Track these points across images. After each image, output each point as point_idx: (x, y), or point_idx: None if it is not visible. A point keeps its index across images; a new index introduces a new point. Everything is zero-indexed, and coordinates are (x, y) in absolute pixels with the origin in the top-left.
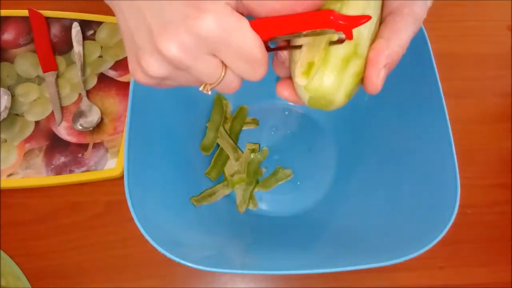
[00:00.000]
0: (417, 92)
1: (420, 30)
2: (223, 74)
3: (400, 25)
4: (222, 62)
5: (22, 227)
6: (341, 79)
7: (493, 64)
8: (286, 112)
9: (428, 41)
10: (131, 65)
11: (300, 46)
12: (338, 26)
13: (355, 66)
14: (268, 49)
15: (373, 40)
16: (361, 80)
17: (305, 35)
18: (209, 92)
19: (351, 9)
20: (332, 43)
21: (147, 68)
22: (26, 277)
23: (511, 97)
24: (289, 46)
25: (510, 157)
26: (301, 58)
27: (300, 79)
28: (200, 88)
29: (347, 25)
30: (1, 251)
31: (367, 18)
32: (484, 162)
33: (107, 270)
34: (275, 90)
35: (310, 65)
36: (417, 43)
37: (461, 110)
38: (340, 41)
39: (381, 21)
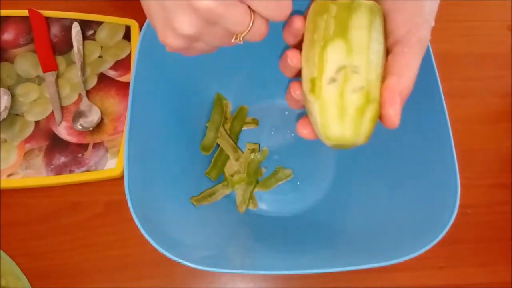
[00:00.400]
0: (417, 92)
1: None
2: (251, 20)
3: (410, 56)
4: (250, 8)
5: (22, 227)
6: (359, 128)
7: (493, 64)
8: (286, 112)
9: (428, 41)
10: (161, 32)
11: None
12: None
13: (370, 112)
14: None
15: (383, 74)
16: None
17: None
18: (241, 42)
19: (330, 61)
20: None
21: (181, 26)
22: (26, 277)
23: (511, 97)
24: None
25: (510, 157)
26: (303, 76)
27: (317, 129)
28: (232, 40)
29: None
30: (1, 251)
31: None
32: (484, 162)
33: (107, 270)
34: (295, 129)
35: (313, 81)
36: None
37: (461, 110)
38: None
39: (388, 50)
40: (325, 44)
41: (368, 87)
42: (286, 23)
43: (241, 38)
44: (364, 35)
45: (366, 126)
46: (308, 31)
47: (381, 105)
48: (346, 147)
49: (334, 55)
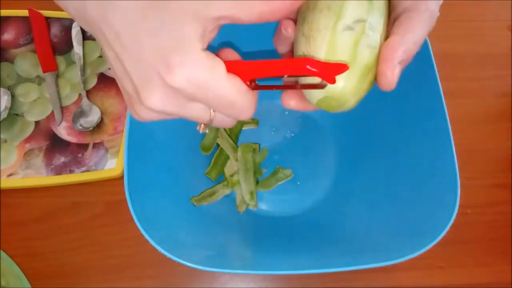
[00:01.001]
0: (417, 92)
1: None
2: (212, 116)
3: (415, 21)
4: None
5: (22, 227)
6: (360, 85)
7: (493, 64)
8: (286, 112)
9: (428, 41)
10: (127, 106)
11: (293, 86)
12: (316, 74)
13: (372, 74)
14: (256, 86)
15: (385, 36)
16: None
17: (287, 78)
18: (206, 131)
19: (351, 10)
20: (314, 86)
21: (140, 114)
22: (26, 277)
23: (511, 97)
24: (276, 86)
25: (510, 157)
26: (306, 21)
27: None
28: (197, 128)
29: (325, 73)
30: (1, 251)
31: (345, 67)
32: (484, 162)
33: (107, 270)
34: (281, 101)
35: (325, 24)
36: None
37: (461, 110)
38: (322, 87)
39: (394, 20)
40: None
41: (378, 49)
42: (276, 32)
43: (204, 129)
44: (382, 6)
45: (364, 87)
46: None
47: (379, 63)
48: (334, 105)
49: (355, 7)
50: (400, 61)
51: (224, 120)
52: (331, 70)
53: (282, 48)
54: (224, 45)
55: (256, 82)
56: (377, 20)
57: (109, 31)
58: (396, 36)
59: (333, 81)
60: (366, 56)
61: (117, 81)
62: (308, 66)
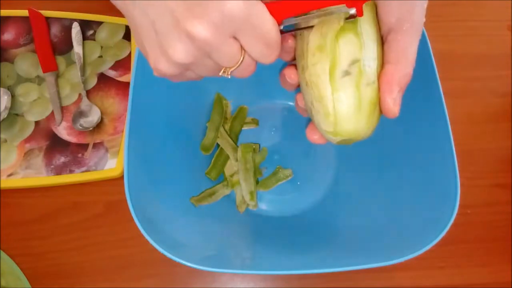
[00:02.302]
0: (417, 92)
1: None
2: (242, 58)
3: (404, 43)
4: (242, 47)
5: (22, 227)
6: (371, 121)
7: (493, 64)
8: (286, 112)
9: (428, 41)
10: (153, 56)
11: (311, 27)
12: (350, 2)
13: (378, 106)
14: (281, 32)
15: (381, 62)
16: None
17: (317, 16)
18: (229, 76)
19: (345, 53)
20: (346, 19)
21: (175, 54)
22: (26, 277)
23: (511, 97)
24: (299, 28)
25: (510, 157)
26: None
27: (326, 126)
28: (220, 73)
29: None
30: (1, 251)
31: None
32: (484, 162)
33: (107, 270)
34: (306, 135)
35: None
36: None
37: (461, 110)
38: (352, 17)
39: (382, 40)
40: (336, 37)
41: (377, 81)
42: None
43: (229, 73)
44: (370, 29)
45: (375, 119)
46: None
47: (380, 97)
48: (353, 141)
49: (347, 47)
50: (399, 90)
51: (249, 65)
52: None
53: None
54: None
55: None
56: (371, 50)
57: None
58: (390, 65)
59: (360, 13)
60: (368, 94)
61: (142, 27)
62: None
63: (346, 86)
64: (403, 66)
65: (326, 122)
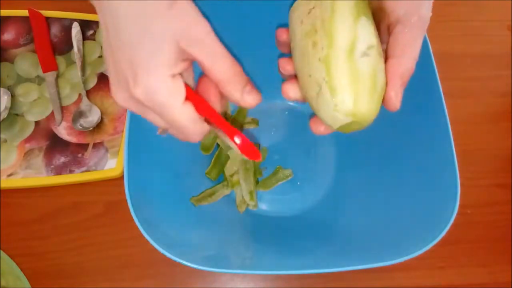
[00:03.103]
0: (417, 92)
1: None
2: (167, 126)
3: (410, 36)
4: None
5: (22, 227)
6: (378, 107)
7: (493, 64)
8: (286, 112)
9: (428, 41)
10: (111, 88)
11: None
12: (236, 146)
13: (381, 80)
14: (208, 122)
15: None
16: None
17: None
18: (165, 135)
19: (363, 35)
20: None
21: (115, 100)
22: (26, 277)
23: (511, 97)
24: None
25: (510, 157)
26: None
27: (338, 106)
28: (158, 132)
29: (243, 150)
30: (1, 251)
31: (259, 158)
32: (484, 162)
33: (107, 270)
34: (310, 127)
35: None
36: None
37: (461, 110)
38: (237, 148)
39: (387, 28)
40: (356, 18)
41: (376, 65)
42: (275, 37)
43: (163, 133)
44: (370, 22)
45: (379, 106)
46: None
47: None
48: (358, 128)
49: (365, 31)
50: (401, 84)
51: (177, 135)
52: (248, 152)
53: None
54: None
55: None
56: (377, 40)
57: (110, 20)
58: (394, 59)
59: (245, 154)
60: (381, 80)
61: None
62: (235, 138)
63: (364, 67)
64: (407, 60)
65: (339, 101)
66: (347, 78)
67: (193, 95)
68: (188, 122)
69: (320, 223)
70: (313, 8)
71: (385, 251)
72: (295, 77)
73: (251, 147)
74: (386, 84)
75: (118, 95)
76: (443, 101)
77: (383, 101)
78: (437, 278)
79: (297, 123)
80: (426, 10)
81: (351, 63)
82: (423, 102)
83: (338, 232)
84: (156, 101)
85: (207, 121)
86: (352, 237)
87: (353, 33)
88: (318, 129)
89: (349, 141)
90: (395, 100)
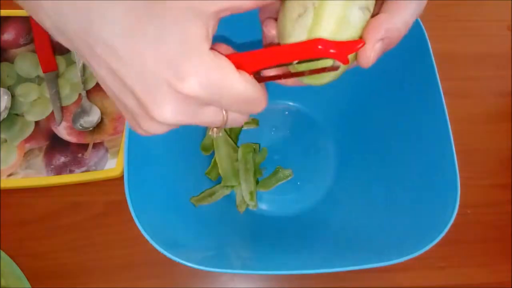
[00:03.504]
0: (417, 92)
1: (420, 30)
2: (225, 117)
3: (405, 2)
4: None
5: (22, 227)
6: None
7: (493, 64)
8: (286, 112)
9: (428, 41)
10: (130, 123)
11: (301, 73)
12: (330, 54)
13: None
14: (261, 78)
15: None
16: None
17: (299, 63)
18: (220, 134)
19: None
20: (327, 69)
21: (149, 130)
22: (26, 277)
23: (511, 97)
24: (282, 76)
25: (510, 157)
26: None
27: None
28: (209, 133)
29: (339, 52)
30: (1, 251)
31: (361, 42)
32: (484, 162)
33: (107, 270)
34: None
35: None
36: (417, 43)
37: (461, 110)
38: (335, 68)
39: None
40: None
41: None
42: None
43: (217, 132)
44: None
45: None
46: None
47: (362, 37)
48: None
49: None
50: (383, 38)
51: (237, 119)
52: (346, 49)
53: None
54: (216, 39)
55: (260, 74)
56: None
57: (100, 46)
58: (384, 14)
59: (346, 61)
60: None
61: (115, 99)
62: (320, 47)
63: (355, 19)
64: (396, 19)
65: (319, 28)
66: (336, 16)
67: (233, 58)
68: (251, 90)
69: (320, 223)
70: None
71: (385, 251)
72: None
73: (346, 43)
74: (366, 33)
75: (165, 110)
76: (443, 101)
77: (356, 55)
78: (437, 278)
79: (297, 123)
80: None
81: (343, 12)
82: (423, 102)
83: (338, 232)
84: (213, 82)
85: (259, 79)
86: (352, 237)
87: None
88: (285, 82)
89: (349, 141)
90: (369, 53)
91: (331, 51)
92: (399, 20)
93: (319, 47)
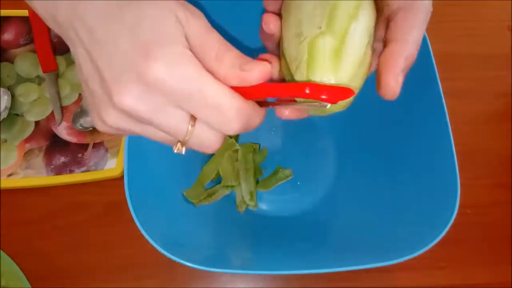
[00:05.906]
0: (417, 92)
1: None
2: (189, 128)
3: (414, 22)
4: (192, 116)
5: (22, 227)
6: (358, 74)
7: (493, 64)
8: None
9: (428, 41)
10: (91, 112)
11: (292, 100)
12: (319, 99)
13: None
14: (265, 104)
15: (376, 35)
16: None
17: (290, 101)
18: (183, 152)
19: (341, 10)
20: (319, 105)
21: (106, 119)
22: (26, 277)
23: (511, 97)
24: (273, 103)
25: (510, 157)
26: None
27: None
28: (174, 149)
29: (330, 98)
30: (1, 251)
31: (351, 93)
32: (484, 162)
33: (107, 270)
34: (275, 112)
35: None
36: None
37: (461, 110)
38: (322, 107)
39: (387, 19)
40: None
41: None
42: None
43: (181, 149)
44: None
45: (363, 75)
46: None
47: (379, 73)
48: (344, 106)
49: (366, 13)
50: (402, 69)
51: (206, 137)
52: (335, 95)
53: (270, 45)
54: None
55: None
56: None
57: (81, 27)
58: (396, 43)
59: (335, 102)
60: (369, 56)
61: (84, 85)
62: (307, 91)
63: (358, 41)
64: (410, 46)
65: (329, 64)
66: (339, 39)
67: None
68: (227, 98)
69: (320, 223)
70: None
71: (385, 251)
72: (277, 47)
73: (336, 89)
74: (384, 70)
75: (127, 93)
76: (443, 101)
77: (379, 88)
78: (437, 278)
79: (297, 123)
80: (428, 1)
81: (347, 36)
82: (423, 102)
83: (338, 232)
84: (184, 75)
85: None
86: (352, 237)
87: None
88: (283, 112)
89: (349, 141)
90: (395, 87)
91: (322, 96)
92: (412, 45)
93: (306, 91)
